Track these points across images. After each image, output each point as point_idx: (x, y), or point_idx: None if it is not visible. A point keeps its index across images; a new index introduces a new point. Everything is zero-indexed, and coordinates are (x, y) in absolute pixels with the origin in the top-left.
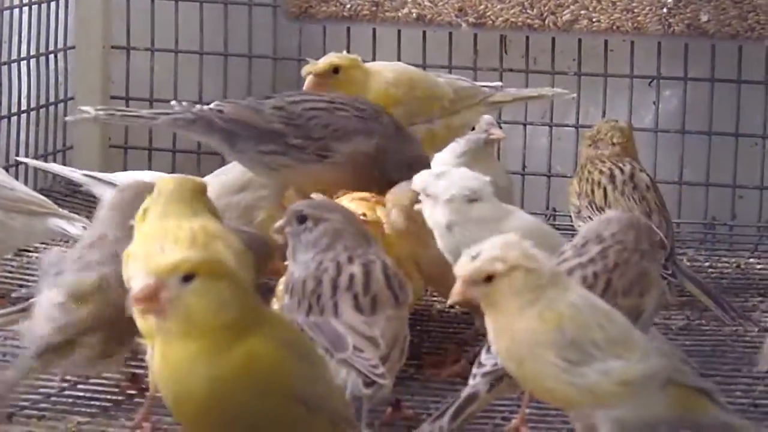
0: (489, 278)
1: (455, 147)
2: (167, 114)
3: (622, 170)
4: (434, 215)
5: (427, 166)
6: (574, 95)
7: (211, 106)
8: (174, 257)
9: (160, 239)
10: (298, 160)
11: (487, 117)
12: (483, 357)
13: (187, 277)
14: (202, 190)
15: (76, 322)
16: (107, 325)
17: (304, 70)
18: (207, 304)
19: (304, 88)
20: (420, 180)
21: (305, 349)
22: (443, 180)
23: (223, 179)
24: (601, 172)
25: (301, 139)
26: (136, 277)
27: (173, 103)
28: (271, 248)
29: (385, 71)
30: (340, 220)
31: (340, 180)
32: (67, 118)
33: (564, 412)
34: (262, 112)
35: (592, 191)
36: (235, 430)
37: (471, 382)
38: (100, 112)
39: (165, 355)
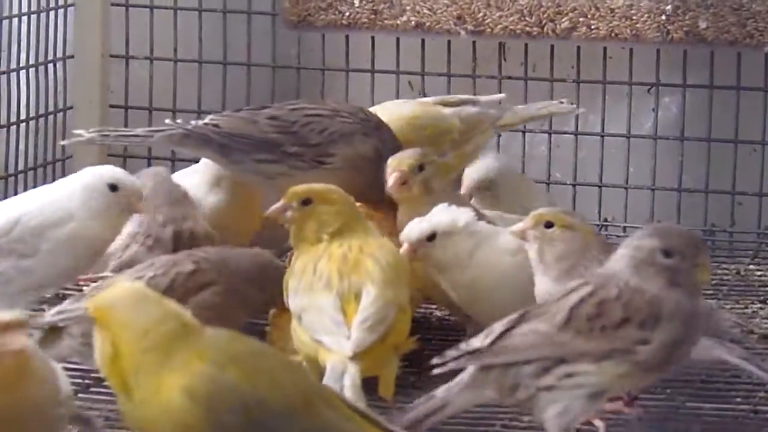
0: None
1: None
2: (162, 131)
3: None
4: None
5: None
6: (583, 110)
7: (207, 120)
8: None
9: (314, 256)
10: (295, 168)
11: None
12: None
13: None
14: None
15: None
16: None
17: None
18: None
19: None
20: None
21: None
22: None
23: (193, 181)
24: None
25: (298, 146)
26: (291, 293)
27: (167, 121)
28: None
29: (392, 118)
30: None
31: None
32: (62, 143)
33: None
34: (257, 123)
35: None
36: None
37: None
38: (95, 134)
39: None
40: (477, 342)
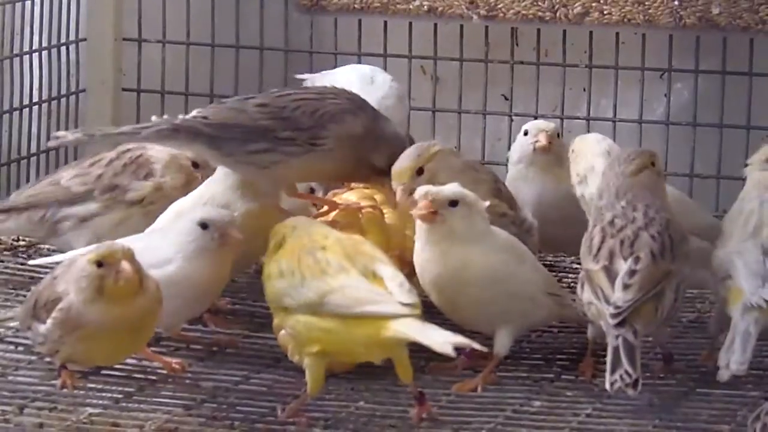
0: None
1: (511, 155)
2: (149, 128)
3: None
4: None
5: (404, 145)
6: None
7: (194, 113)
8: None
9: (294, 251)
10: (288, 154)
11: (540, 123)
12: None
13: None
14: None
15: None
16: None
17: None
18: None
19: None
20: None
21: None
22: None
23: (177, 203)
24: None
25: (290, 131)
26: (291, 290)
27: (153, 118)
28: None
29: None
30: None
31: (330, 168)
32: (49, 144)
33: (574, 405)
34: (245, 112)
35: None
36: None
37: None
38: (79, 135)
39: None
40: None
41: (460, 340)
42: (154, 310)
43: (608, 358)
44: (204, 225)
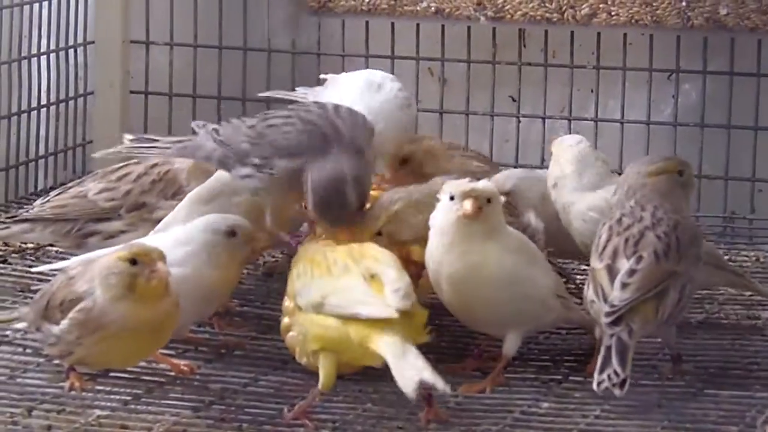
0: None
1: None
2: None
3: None
4: None
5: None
6: None
7: (212, 127)
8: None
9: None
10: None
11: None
12: None
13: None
14: None
15: None
16: None
17: None
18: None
19: None
20: None
21: None
22: None
23: (194, 192)
24: None
25: (258, 158)
26: (303, 291)
27: (193, 125)
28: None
29: None
30: None
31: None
32: (94, 155)
33: (583, 407)
34: (239, 134)
35: None
36: None
37: None
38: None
39: None
40: None
41: (428, 377)
42: (174, 314)
43: (600, 357)
44: (232, 233)
